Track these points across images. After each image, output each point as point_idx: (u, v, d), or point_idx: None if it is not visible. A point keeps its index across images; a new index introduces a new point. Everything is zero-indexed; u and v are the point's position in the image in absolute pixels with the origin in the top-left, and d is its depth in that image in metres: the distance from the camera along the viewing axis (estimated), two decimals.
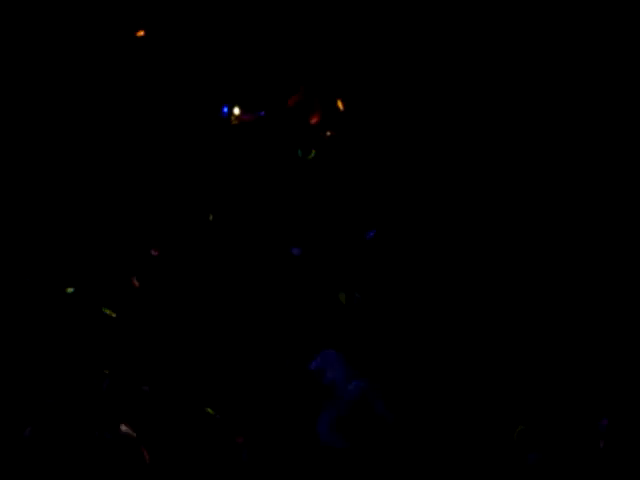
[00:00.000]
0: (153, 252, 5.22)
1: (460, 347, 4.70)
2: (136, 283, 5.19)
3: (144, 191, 5.39)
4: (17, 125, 5.38)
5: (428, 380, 4.56)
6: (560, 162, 5.05)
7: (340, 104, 5.45)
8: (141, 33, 5.54)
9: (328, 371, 4.26)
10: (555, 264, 4.89)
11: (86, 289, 5.09)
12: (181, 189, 5.32)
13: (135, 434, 4.19)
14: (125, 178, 5.46)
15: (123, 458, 4.09)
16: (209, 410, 4.26)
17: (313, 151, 5.54)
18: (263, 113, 5.75)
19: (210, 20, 5.66)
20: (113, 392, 4.42)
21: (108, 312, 4.88)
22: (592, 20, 4.99)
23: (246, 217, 5.37)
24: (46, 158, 5.40)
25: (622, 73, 4.95)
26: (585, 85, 5.07)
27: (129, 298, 5.16)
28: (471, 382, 4.55)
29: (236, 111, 5.67)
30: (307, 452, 4.32)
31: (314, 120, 5.64)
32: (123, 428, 4.16)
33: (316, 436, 4.29)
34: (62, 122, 5.61)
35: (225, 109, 5.72)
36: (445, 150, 5.18)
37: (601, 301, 4.71)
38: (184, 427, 4.35)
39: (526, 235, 4.99)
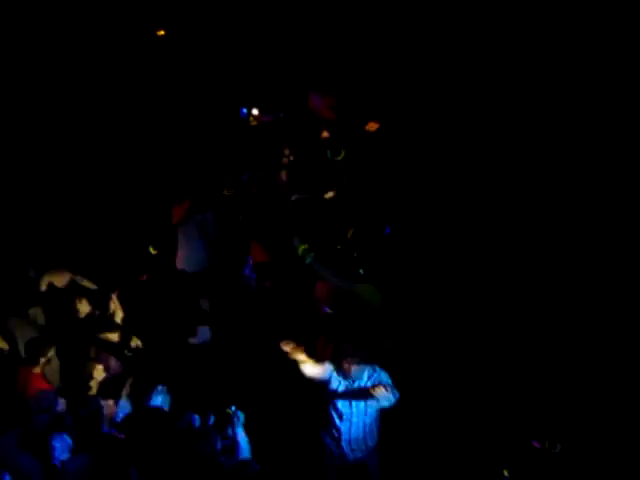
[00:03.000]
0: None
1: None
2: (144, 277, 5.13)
3: (163, 190, 5.28)
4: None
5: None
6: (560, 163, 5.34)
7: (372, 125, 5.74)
8: (161, 32, 5.49)
9: None
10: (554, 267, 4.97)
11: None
12: (200, 187, 5.14)
13: None
14: (144, 177, 5.48)
15: None
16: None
17: (343, 152, 5.45)
18: (282, 114, 5.53)
19: (231, 24, 5.79)
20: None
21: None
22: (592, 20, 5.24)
23: (263, 215, 5.16)
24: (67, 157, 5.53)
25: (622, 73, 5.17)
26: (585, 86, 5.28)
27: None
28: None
29: (255, 112, 5.51)
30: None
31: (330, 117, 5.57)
32: None
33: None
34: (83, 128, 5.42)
35: (244, 110, 5.52)
36: (451, 154, 5.62)
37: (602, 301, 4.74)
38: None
39: (526, 237, 5.17)
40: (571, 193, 5.16)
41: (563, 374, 4.36)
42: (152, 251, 5.19)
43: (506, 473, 3.71)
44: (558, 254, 4.99)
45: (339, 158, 5.45)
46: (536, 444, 3.78)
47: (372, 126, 5.57)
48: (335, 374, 3.89)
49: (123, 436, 3.71)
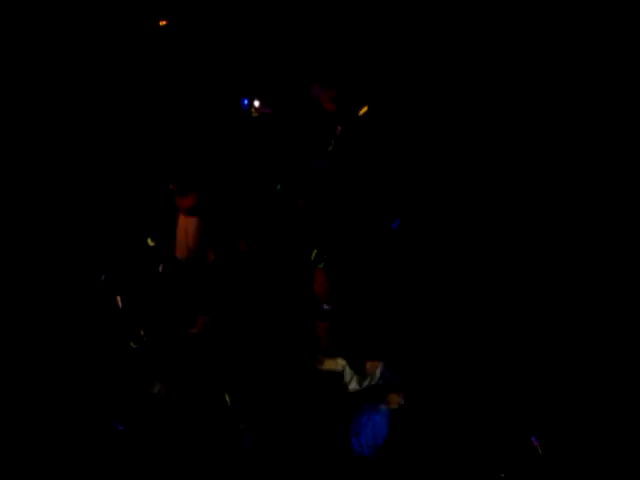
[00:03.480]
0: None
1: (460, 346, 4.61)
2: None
3: (164, 182, 5.15)
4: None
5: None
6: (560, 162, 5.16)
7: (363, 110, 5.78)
8: (164, 22, 5.48)
9: None
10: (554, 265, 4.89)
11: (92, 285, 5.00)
12: (203, 178, 5.13)
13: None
14: (143, 169, 5.33)
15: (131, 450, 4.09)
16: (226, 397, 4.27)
17: (331, 144, 5.43)
18: (281, 106, 5.50)
19: (233, 15, 5.79)
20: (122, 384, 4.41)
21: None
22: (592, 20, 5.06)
23: (264, 208, 5.19)
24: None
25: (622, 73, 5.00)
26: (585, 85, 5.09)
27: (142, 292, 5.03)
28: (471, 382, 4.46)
29: (256, 104, 5.49)
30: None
31: (330, 108, 5.54)
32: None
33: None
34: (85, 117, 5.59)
35: (245, 102, 5.50)
36: (449, 149, 5.55)
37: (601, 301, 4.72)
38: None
39: (525, 236, 5.03)
40: (571, 193, 4.99)
41: (562, 374, 4.39)
42: (150, 243, 5.21)
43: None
44: (558, 255, 4.89)
45: (329, 149, 5.47)
46: (535, 441, 3.95)
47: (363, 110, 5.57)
48: (348, 369, 3.98)
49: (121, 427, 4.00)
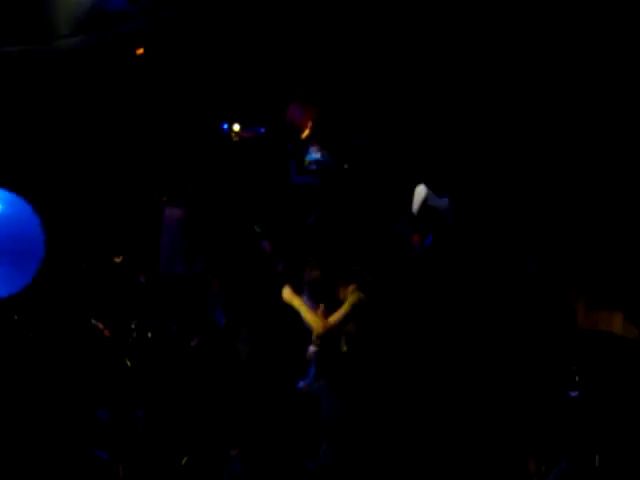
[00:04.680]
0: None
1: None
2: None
3: (145, 202, 5.40)
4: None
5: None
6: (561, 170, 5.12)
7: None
8: (140, 51, 5.48)
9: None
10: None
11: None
12: (184, 201, 5.29)
13: None
14: (124, 192, 5.55)
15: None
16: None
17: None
18: (263, 130, 5.76)
19: (211, 40, 5.73)
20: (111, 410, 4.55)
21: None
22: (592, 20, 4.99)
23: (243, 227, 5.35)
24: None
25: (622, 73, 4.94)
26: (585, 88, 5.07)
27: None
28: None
29: (236, 127, 5.67)
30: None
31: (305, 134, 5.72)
32: None
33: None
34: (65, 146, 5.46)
35: (225, 126, 5.69)
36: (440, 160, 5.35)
37: None
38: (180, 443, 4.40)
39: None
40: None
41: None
42: (116, 260, 5.14)
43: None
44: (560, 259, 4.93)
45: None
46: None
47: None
48: None
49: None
